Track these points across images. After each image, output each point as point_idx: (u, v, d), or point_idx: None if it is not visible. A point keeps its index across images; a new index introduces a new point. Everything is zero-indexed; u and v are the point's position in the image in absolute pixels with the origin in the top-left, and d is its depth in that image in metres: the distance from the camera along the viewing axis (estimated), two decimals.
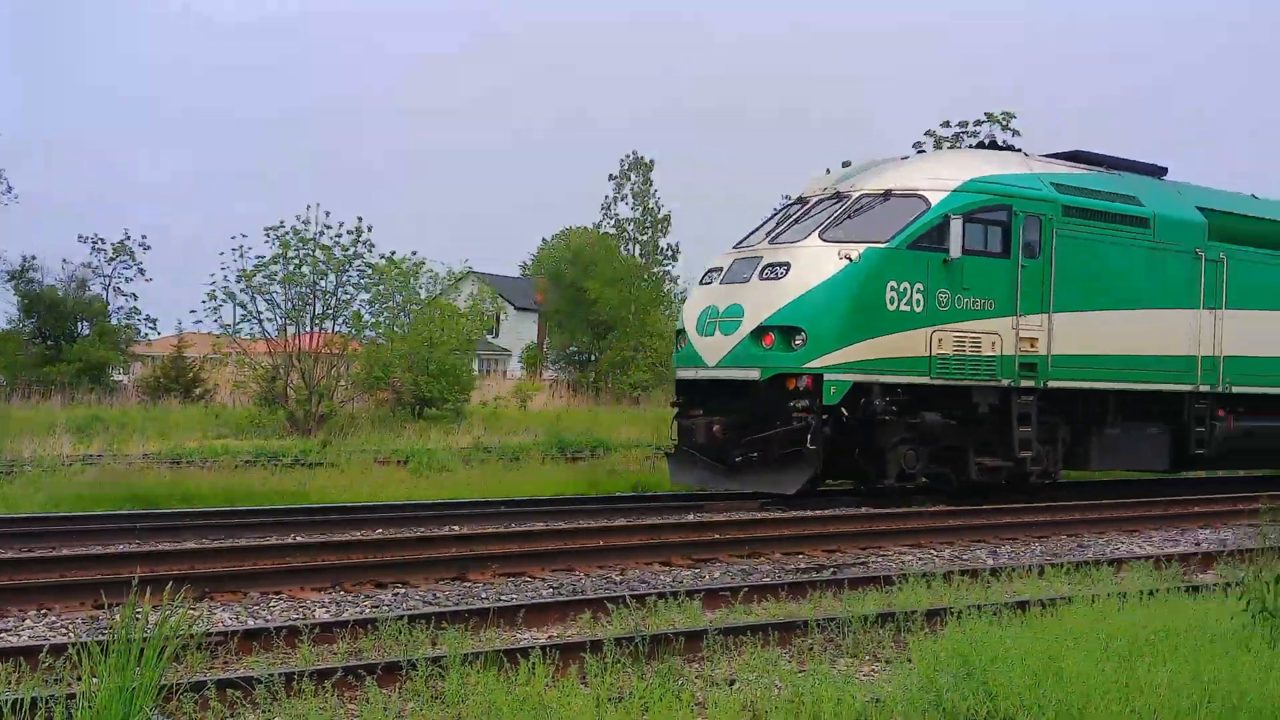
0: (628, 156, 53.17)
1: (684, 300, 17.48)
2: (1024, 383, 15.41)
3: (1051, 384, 15.79)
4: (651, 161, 52.81)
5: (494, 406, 31.67)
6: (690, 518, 13.93)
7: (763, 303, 14.42)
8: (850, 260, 14.10)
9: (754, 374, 14.42)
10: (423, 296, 31.25)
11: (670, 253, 52.61)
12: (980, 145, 17.80)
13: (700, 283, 15.97)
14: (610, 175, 53.34)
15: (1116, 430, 16.74)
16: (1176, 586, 8.87)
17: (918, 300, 14.31)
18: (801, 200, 16.26)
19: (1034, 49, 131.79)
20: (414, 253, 31.89)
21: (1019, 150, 17.54)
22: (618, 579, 10.08)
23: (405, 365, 28.27)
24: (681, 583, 9.72)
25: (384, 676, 6.10)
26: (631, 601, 8.07)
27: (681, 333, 15.66)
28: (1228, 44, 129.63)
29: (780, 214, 16.20)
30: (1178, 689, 5.42)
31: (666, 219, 52.69)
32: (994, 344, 15.00)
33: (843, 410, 14.44)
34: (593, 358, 49.63)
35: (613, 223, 53.55)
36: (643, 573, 10.35)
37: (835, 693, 5.46)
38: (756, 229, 16.16)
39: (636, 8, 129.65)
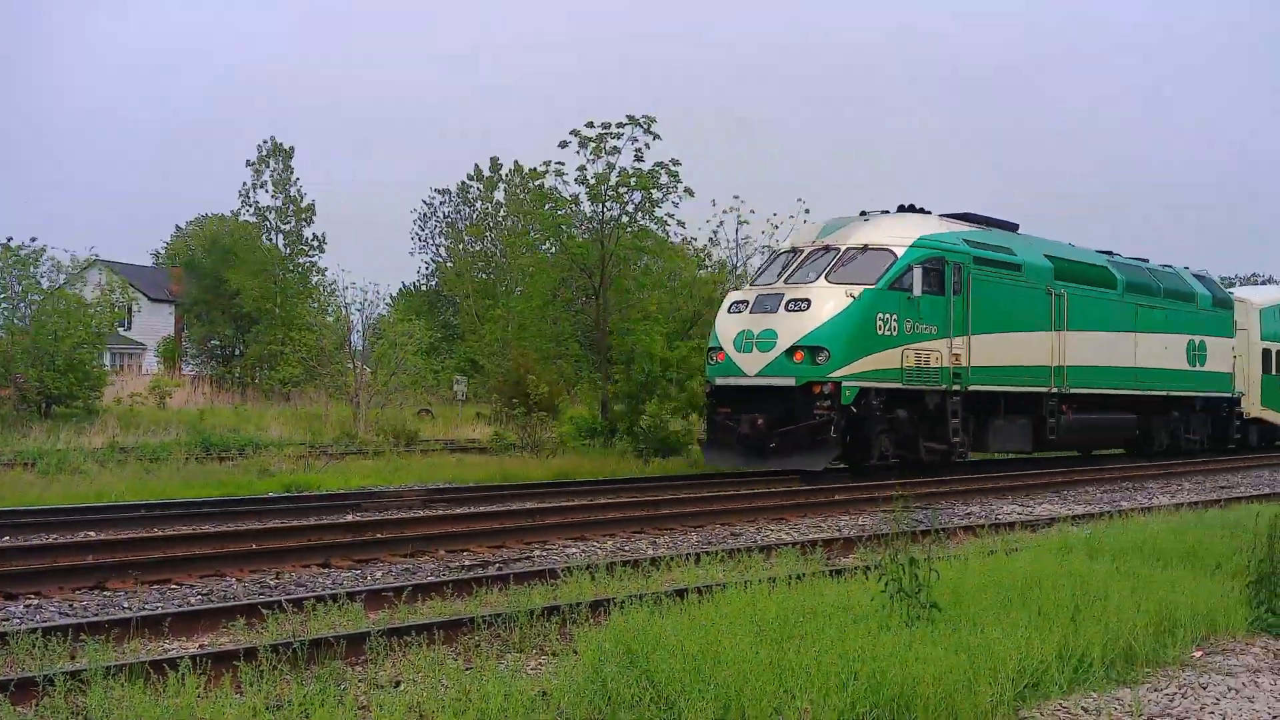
0: (265, 143, 52.16)
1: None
2: (954, 387, 20.75)
3: (971, 388, 21.17)
4: (291, 148, 52.09)
5: (130, 404, 30.98)
6: (350, 517, 13.81)
7: (793, 329, 19.17)
8: (854, 297, 19.17)
9: (790, 381, 19.11)
10: (44, 286, 29.83)
11: (317, 243, 51.45)
12: (901, 208, 21.33)
13: (729, 311, 20.30)
14: (248, 161, 52.04)
15: (1003, 421, 22.33)
16: (822, 571, 9.37)
17: (894, 327, 19.51)
18: (795, 250, 21.09)
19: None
20: (33, 239, 30.79)
21: (930, 212, 21.87)
22: (273, 583, 9.91)
23: (29, 360, 27.61)
24: (342, 585, 9.63)
25: (17, 694, 5.88)
26: (289, 606, 7.96)
27: (715, 349, 20.08)
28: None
29: (783, 259, 20.98)
30: (826, 667, 5.74)
31: (310, 208, 51.46)
32: (937, 358, 20.35)
33: (853, 408, 19.19)
34: (238, 351, 48.71)
35: (252, 211, 52.14)
36: (300, 575, 10.20)
37: (502, 689, 5.52)
38: (764, 270, 21.18)
39: None
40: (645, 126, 25.75)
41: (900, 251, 20.11)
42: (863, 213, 20.68)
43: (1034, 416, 23.06)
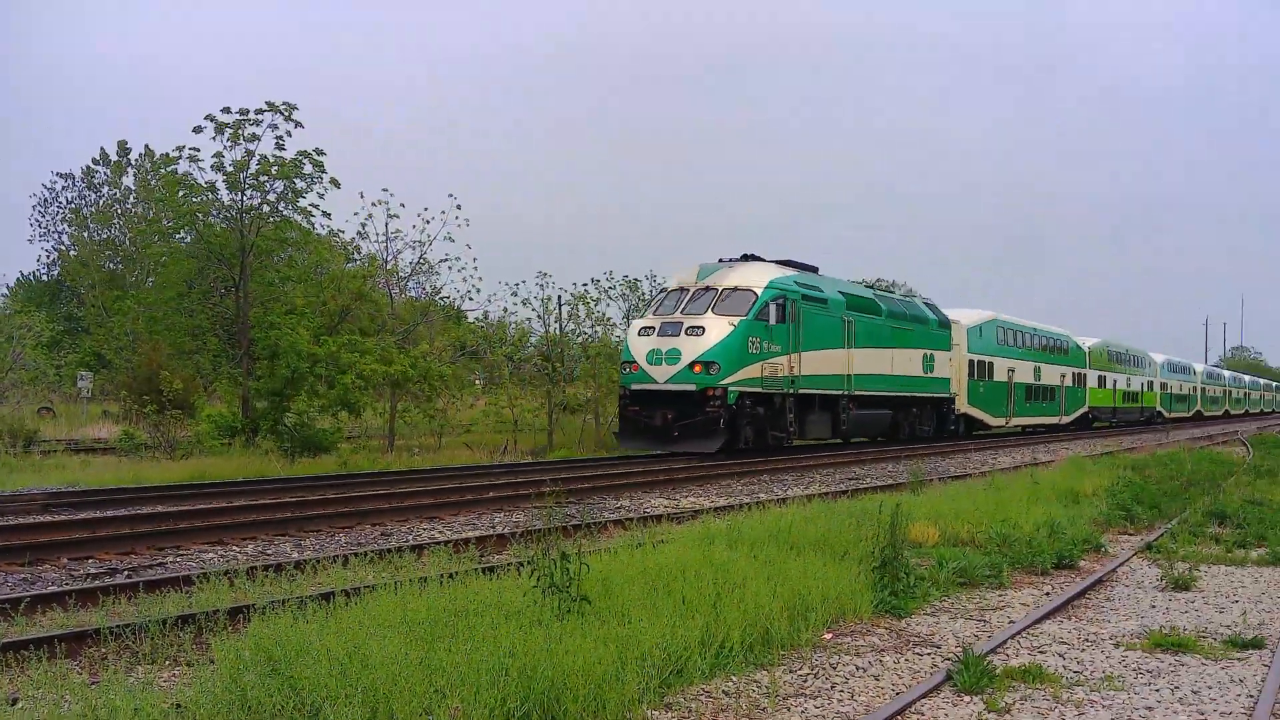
0: None
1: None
2: (789, 389, 27.71)
3: (800, 390, 28.26)
4: None
5: None
6: None
7: (693, 349, 25.48)
8: (733, 326, 25.70)
9: (691, 387, 25.41)
10: None
11: None
12: (745, 256, 28.01)
13: (639, 334, 26.04)
14: None
15: (816, 416, 29.33)
16: (475, 568, 9.38)
17: (758, 347, 26.18)
18: (683, 289, 27.10)
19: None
20: None
21: (765, 259, 28.71)
22: None
23: None
24: None
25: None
26: None
27: (630, 362, 25.88)
28: None
29: (675, 295, 26.81)
30: (477, 665, 5.74)
31: None
32: (780, 369, 27.15)
33: (733, 407, 25.86)
34: None
35: None
36: None
37: (132, 703, 5.28)
38: (662, 304, 26.53)
39: None
40: (286, 114, 25.25)
41: (760, 292, 27.27)
42: (721, 260, 27.87)
43: (834, 413, 30.52)
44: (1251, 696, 6.62)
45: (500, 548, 11.70)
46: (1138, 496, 16.50)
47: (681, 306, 27.16)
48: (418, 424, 30.27)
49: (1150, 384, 65.73)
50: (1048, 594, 9.99)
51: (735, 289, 27.15)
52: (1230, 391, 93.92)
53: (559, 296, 33.91)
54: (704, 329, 26.05)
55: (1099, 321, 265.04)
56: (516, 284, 40.50)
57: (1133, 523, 14.63)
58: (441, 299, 32.65)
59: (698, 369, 25.42)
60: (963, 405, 38.84)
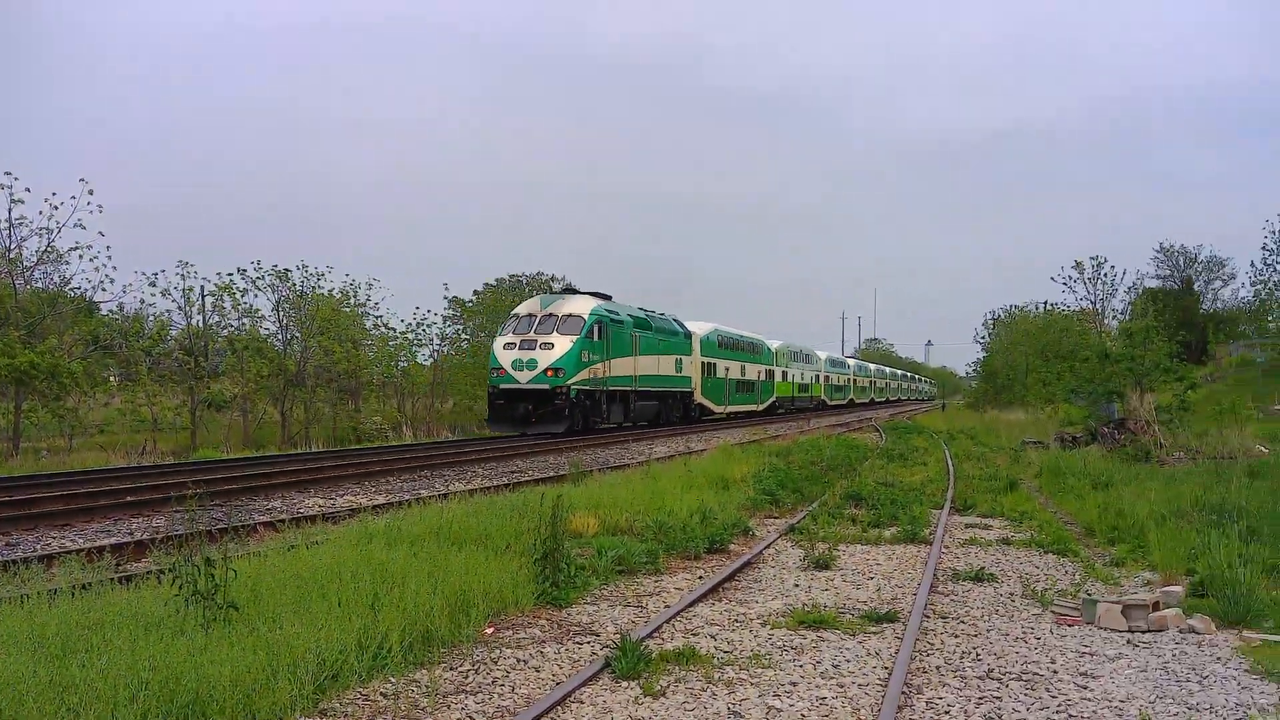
0: None
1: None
2: (603, 387, 35.92)
3: (609, 388, 36.64)
4: None
5: None
6: None
7: (546, 359, 33.13)
8: (573, 342, 33.53)
9: (546, 387, 33.25)
10: None
11: None
12: (567, 289, 37.79)
13: (504, 348, 33.05)
14: None
15: (616, 406, 37.05)
16: (111, 578, 8.90)
17: (588, 357, 34.10)
18: (531, 314, 34.61)
19: None
20: None
21: (580, 290, 37.78)
22: None
23: None
24: None
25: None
26: None
27: (498, 368, 32.74)
28: None
29: (526, 320, 33.81)
30: (114, 680, 5.49)
31: None
32: (598, 372, 35.15)
33: (574, 400, 33.72)
34: None
35: None
36: None
37: None
38: (517, 326, 33.34)
39: None
40: None
41: (587, 317, 35.63)
42: (551, 291, 40.88)
43: (626, 404, 39.53)
44: (886, 668, 7.07)
45: (139, 555, 11.02)
46: (782, 481, 17.07)
47: (534, 328, 35.33)
48: (46, 425, 29.04)
49: (818, 377, 75.97)
50: (701, 578, 10.20)
51: (570, 315, 35.61)
52: (874, 381, 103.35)
53: (201, 287, 33.63)
54: (553, 345, 34.20)
55: (763, 322, 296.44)
56: (155, 274, 38.56)
57: (778, 506, 15.22)
58: (72, 290, 31.04)
59: (550, 374, 33.34)
60: (699, 397, 48.30)
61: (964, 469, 21.24)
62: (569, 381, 33.84)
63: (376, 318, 41.57)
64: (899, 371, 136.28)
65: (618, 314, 39.11)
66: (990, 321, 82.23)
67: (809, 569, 10.58)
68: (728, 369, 52.79)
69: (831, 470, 19.73)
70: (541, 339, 34.39)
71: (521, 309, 37.37)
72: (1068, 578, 10.17)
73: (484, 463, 23.93)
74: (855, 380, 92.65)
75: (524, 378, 33.75)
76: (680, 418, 47.13)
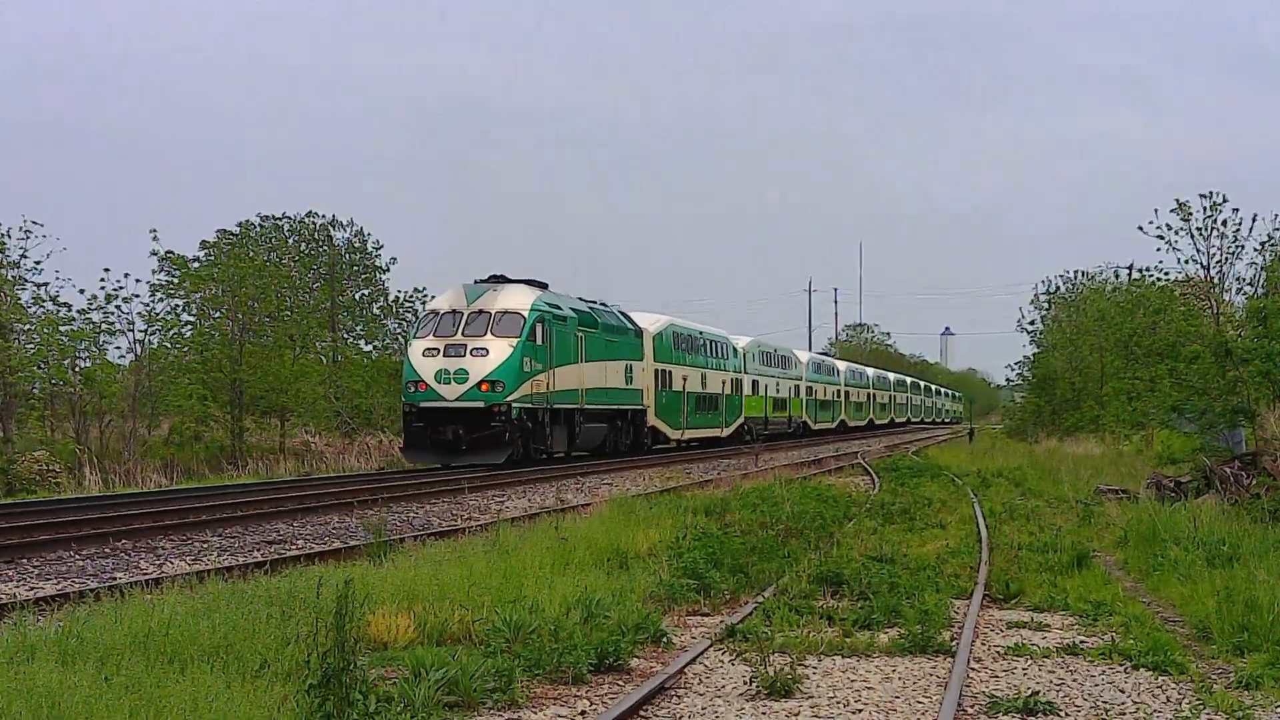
0: None
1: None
2: (547, 405, 37.93)
3: (553, 405, 38.34)
4: None
5: None
6: None
7: (480, 368, 35.75)
8: (512, 347, 36.03)
9: (481, 404, 35.65)
10: None
11: None
12: (493, 277, 39.11)
13: (423, 355, 36.31)
14: None
15: (560, 430, 39.41)
16: None
17: (530, 366, 36.60)
18: (455, 311, 37.05)
19: None
20: None
21: (507, 276, 39.22)
22: None
23: None
24: None
25: None
26: None
27: (417, 381, 36.13)
28: None
29: (449, 318, 36.95)
30: None
31: None
32: (541, 385, 37.29)
33: (515, 422, 36.05)
34: None
35: None
36: None
37: None
38: (438, 325, 36.85)
39: None
40: None
41: (527, 314, 36.69)
42: (478, 281, 38.82)
43: (570, 427, 40.12)
44: None
45: None
46: (715, 556, 15.90)
47: (461, 328, 36.54)
48: None
49: (797, 389, 75.30)
50: (583, 715, 9.26)
51: (506, 311, 36.64)
52: (875, 395, 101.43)
53: None
54: (487, 350, 35.71)
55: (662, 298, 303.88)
56: None
57: (709, 596, 14.13)
58: None
59: (485, 387, 35.34)
60: (653, 417, 48.78)
61: (1004, 534, 20.04)
62: (509, 397, 35.50)
63: (39, 287, 38.44)
64: (912, 381, 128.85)
65: (560, 308, 39.73)
66: (1044, 298, 73.08)
67: (759, 697, 9.68)
68: (685, 378, 53.27)
69: (794, 537, 18.77)
70: (473, 342, 36.07)
71: (441, 303, 38.18)
72: (1170, 709, 9.39)
73: (229, 525, 21.05)
74: (848, 393, 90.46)
75: (451, 392, 35.63)
76: (630, 445, 46.56)
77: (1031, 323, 74.15)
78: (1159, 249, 48.97)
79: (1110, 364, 55.77)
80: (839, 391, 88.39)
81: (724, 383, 59.82)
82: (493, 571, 13.72)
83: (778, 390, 70.69)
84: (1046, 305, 73.17)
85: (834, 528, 20.23)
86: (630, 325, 47.39)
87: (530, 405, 36.69)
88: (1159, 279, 53.23)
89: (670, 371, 51.42)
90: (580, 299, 44.17)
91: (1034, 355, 71.30)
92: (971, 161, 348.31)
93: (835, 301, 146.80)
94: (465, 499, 26.76)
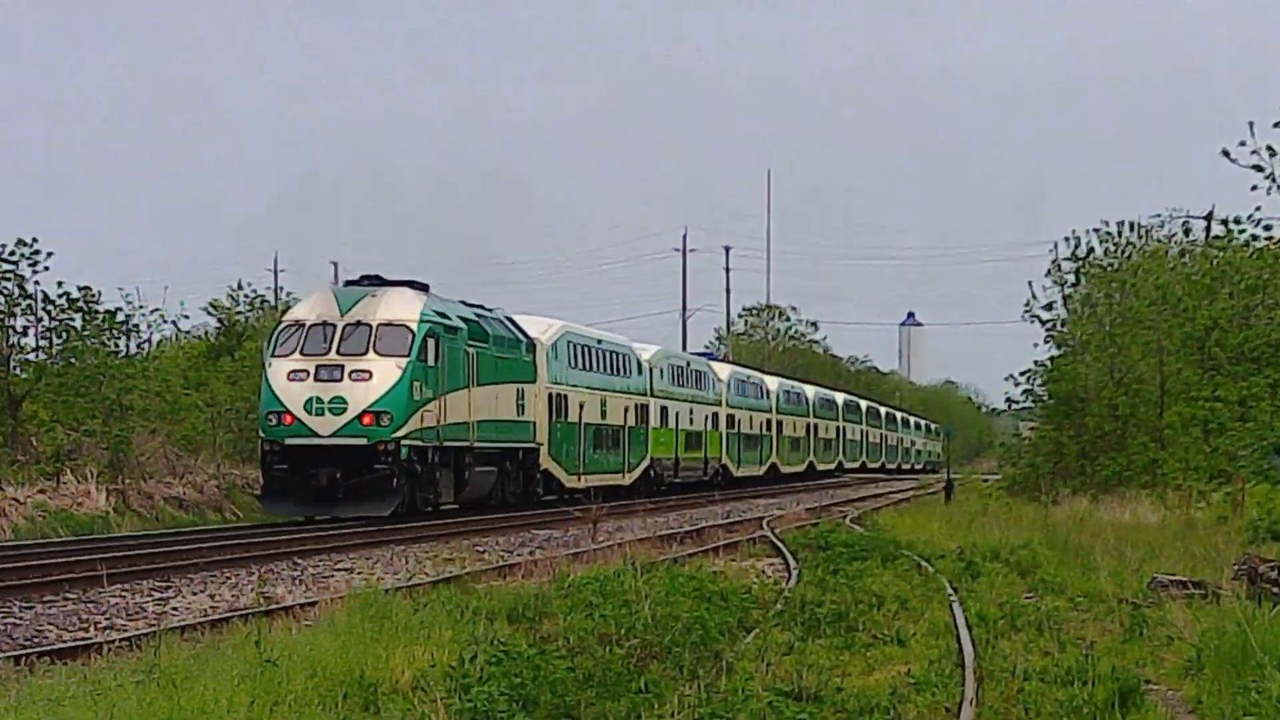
0: None
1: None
2: (441, 441, 49.03)
3: (444, 442, 48.96)
4: None
5: None
6: None
7: (362, 396, 43.36)
8: (400, 369, 44.03)
9: (363, 441, 42.45)
10: None
11: None
12: (365, 278, 49.65)
13: (289, 379, 44.11)
14: None
15: (446, 474, 51.61)
16: None
17: (420, 392, 46.46)
18: (326, 323, 43.79)
19: None
20: None
21: (385, 279, 48.16)
22: None
23: None
24: None
25: None
26: None
27: (282, 412, 43.71)
28: None
29: (318, 331, 44.98)
30: None
31: None
32: (429, 417, 49.14)
33: (405, 463, 42.62)
34: None
35: None
36: None
37: None
38: (305, 340, 45.73)
39: None
40: None
41: (414, 326, 41.30)
42: (349, 282, 46.87)
43: (459, 471, 43.37)
44: None
45: None
46: (525, 691, 15.14)
47: (335, 345, 40.13)
48: None
49: (715, 417, 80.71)
50: None
51: (391, 323, 40.25)
52: (817, 427, 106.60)
53: None
54: (370, 373, 39.47)
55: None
56: None
57: None
58: None
59: (367, 420, 39.80)
60: (545, 457, 53.63)
61: (1001, 655, 18.94)
62: (398, 432, 39.02)
63: None
64: (869, 405, 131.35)
65: (449, 318, 42.45)
66: (1068, 266, 65.30)
67: None
68: (583, 405, 58.33)
69: (657, 659, 17.63)
70: (351, 363, 40.33)
71: (306, 311, 41.23)
72: None
73: None
74: (781, 424, 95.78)
75: (325, 426, 39.62)
76: (519, 495, 49.77)
77: (1048, 307, 65.04)
78: (1256, 187, 46.40)
79: (1176, 375, 49.73)
80: (769, 422, 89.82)
81: (626, 410, 64.89)
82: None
83: (690, 420, 75.55)
84: (1073, 278, 64.77)
85: (723, 643, 19.23)
86: (521, 337, 51.32)
87: (420, 442, 40.33)
88: (1257, 238, 48.79)
89: (566, 396, 56.95)
90: (463, 303, 47.55)
91: (1052, 360, 64.44)
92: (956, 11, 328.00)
93: (726, 269, 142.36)
94: (106, 592, 25.98)
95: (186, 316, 78.70)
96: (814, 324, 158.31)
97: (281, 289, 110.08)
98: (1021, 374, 72.60)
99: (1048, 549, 36.41)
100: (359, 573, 30.52)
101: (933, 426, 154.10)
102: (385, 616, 20.46)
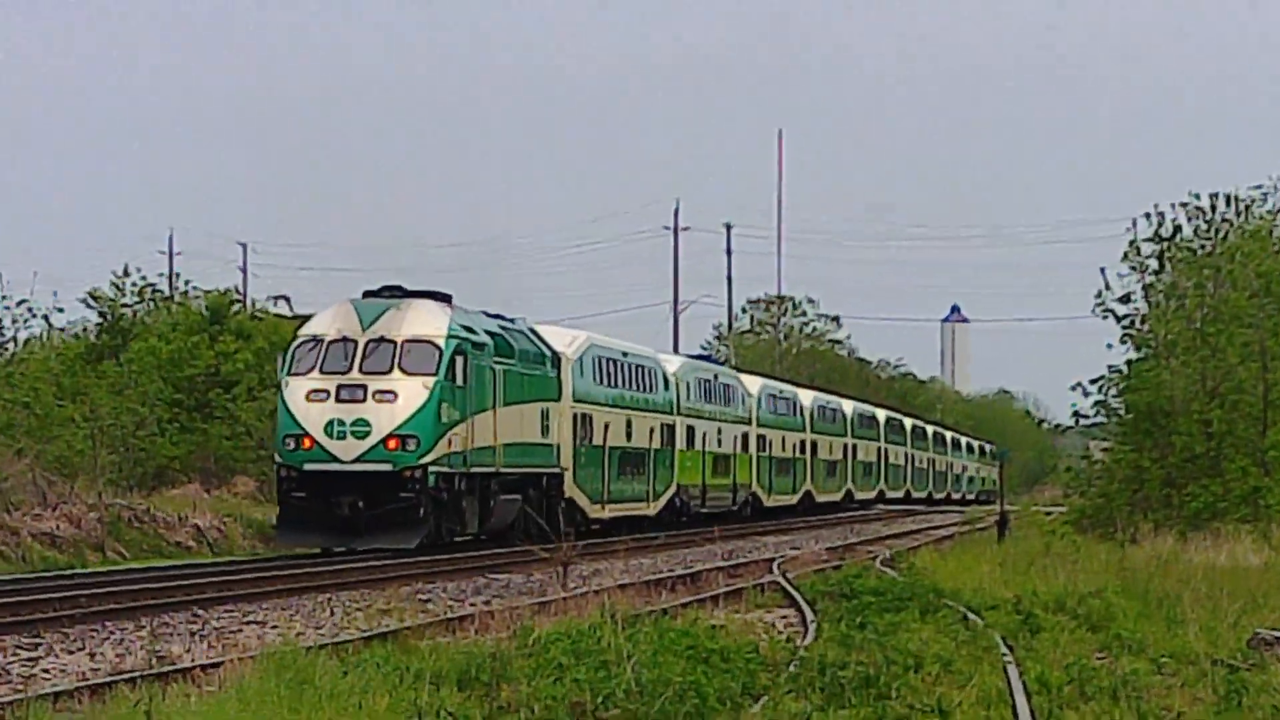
0: None
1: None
2: (468, 468, 54.76)
3: (470, 468, 54.32)
4: None
5: None
6: None
7: (388, 419, 50.42)
8: (428, 389, 51.37)
9: (388, 467, 48.80)
10: None
11: None
12: (388, 289, 56.14)
13: (307, 399, 50.43)
14: None
15: (471, 502, 56.38)
16: None
17: (448, 415, 53.89)
18: (346, 338, 49.82)
19: None
20: None
21: (405, 289, 53.38)
22: None
23: None
24: None
25: None
26: None
27: (300, 435, 49.52)
28: None
29: (339, 348, 51.25)
30: None
31: None
32: (456, 441, 56.78)
33: (433, 490, 49.28)
34: None
35: None
36: None
37: None
38: (324, 357, 52.33)
39: None
40: None
41: (442, 343, 47.51)
42: (367, 293, 53.54)
43: (485, 500, 50.10)
44: None
45: None
46: None
47: (357, 363, 44.37)
48: None
49: (745, 438, 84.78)
50: None
51: (417, 339, 44.44)
52: (856, 450, 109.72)
53: None
54: (395, 394, 43.64)
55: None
56: None
57: None
58: None
59: (393, 444, 43.82)
60: (570, 485, 58.30)
61: None
62: (425, 457, 43.20)
63: None
64: (914, 424, 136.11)
65: (476, 332, 46.31)
66: (1148, 249, 64.97)
67: None
68: (608, 425, 62.63)
69: None
70: (375, 383, 44.75)
71: (325, 325, 45.80)
72: None
73: None
74: (816, 445, 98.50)
75: (348, 451, 43.59)
76: (540, 527, 51.96)
77: (1125, 299, 63.93)
78: None
79: None
80: (802, 444, 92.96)
81: (652, 431, 69.69)
82: None
83: (719, 441, 79.52)
84: (1155, 264, 63.95)
85: (724, 714, 19.94)
86: (546, 350, 56.08)
87: (448, 469, 44.11)
88: None
89: (591, 416, 61.76)
90: (484, 314, 52.46)
91: (1129, 365, 64.36)
92: None
93: (728, 251, 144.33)
94: None
95: (60, 310, 75.21)
96: (836, 319, 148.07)
97: (178, 275, 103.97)
98: (1092, 382, 71.10)
99: (1124, 598, 36.28)
100: (274, 626, 29.92)
101: (986, 448, 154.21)
102: (306, 681, 19.99)
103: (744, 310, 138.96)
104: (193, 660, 25.90)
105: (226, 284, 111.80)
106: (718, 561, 55.35)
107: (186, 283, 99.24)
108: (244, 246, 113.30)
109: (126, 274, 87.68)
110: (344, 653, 24.30)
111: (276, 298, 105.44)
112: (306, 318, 64.15)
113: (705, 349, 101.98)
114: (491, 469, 49.16)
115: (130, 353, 73.79)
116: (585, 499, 59.95)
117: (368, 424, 44.93)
